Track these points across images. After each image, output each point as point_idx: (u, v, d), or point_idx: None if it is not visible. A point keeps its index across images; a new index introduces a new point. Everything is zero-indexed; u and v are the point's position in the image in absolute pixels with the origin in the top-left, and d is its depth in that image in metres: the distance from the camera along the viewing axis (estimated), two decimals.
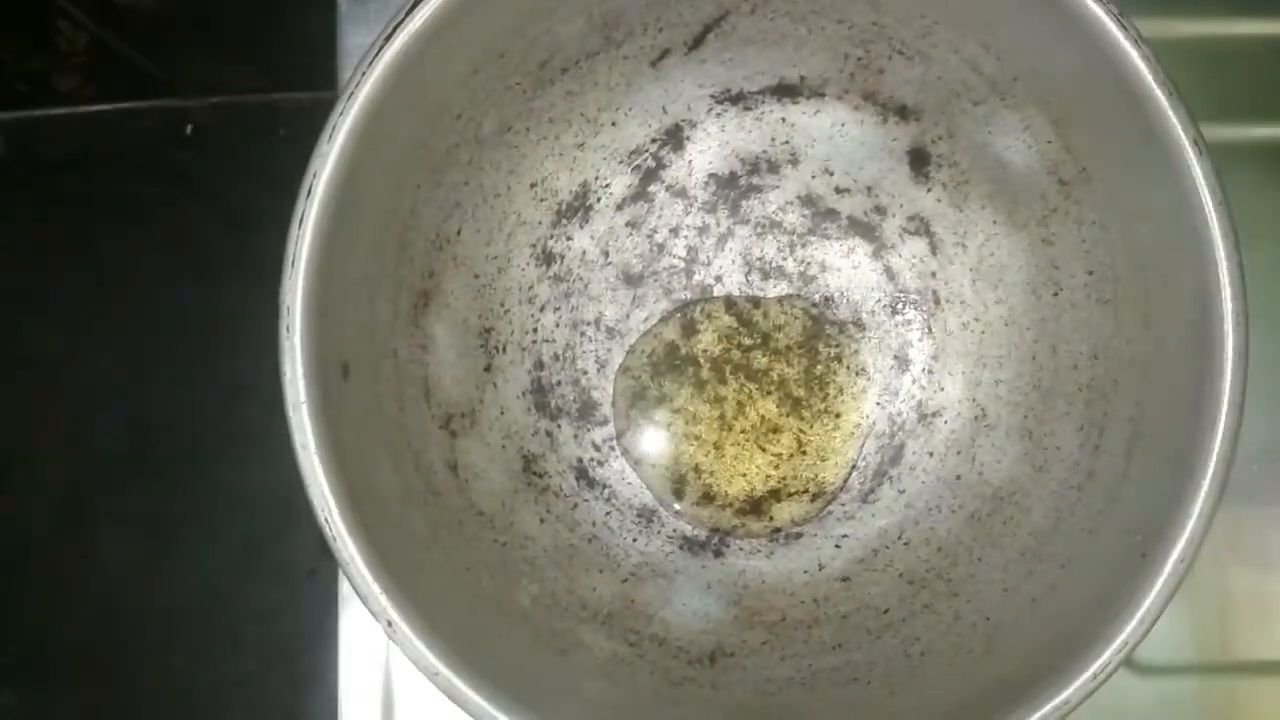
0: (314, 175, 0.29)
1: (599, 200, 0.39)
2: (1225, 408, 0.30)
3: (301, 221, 0.29)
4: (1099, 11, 0.30)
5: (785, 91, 0.38)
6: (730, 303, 0.40)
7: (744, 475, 0.39)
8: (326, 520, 0.29)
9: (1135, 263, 0.33)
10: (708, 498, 0.39)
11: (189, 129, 0.60)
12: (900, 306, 0.40)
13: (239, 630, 0.59)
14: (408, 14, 0.29)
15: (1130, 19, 0.30)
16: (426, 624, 0.30)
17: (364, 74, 0.29)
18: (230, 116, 0.60)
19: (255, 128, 0.59)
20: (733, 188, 0.40)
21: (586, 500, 0.38)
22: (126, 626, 0.60)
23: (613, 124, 0.38)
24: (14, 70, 0.56)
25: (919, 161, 0.38)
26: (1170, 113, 0.30)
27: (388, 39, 0.29)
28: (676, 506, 0.39)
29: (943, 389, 0.39)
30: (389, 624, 0.30)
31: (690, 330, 0.40)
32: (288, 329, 0.29)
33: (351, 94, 0.29)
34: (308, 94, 0.59)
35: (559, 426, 0.39)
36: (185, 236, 0.60)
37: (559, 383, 0.39)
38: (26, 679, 0.60)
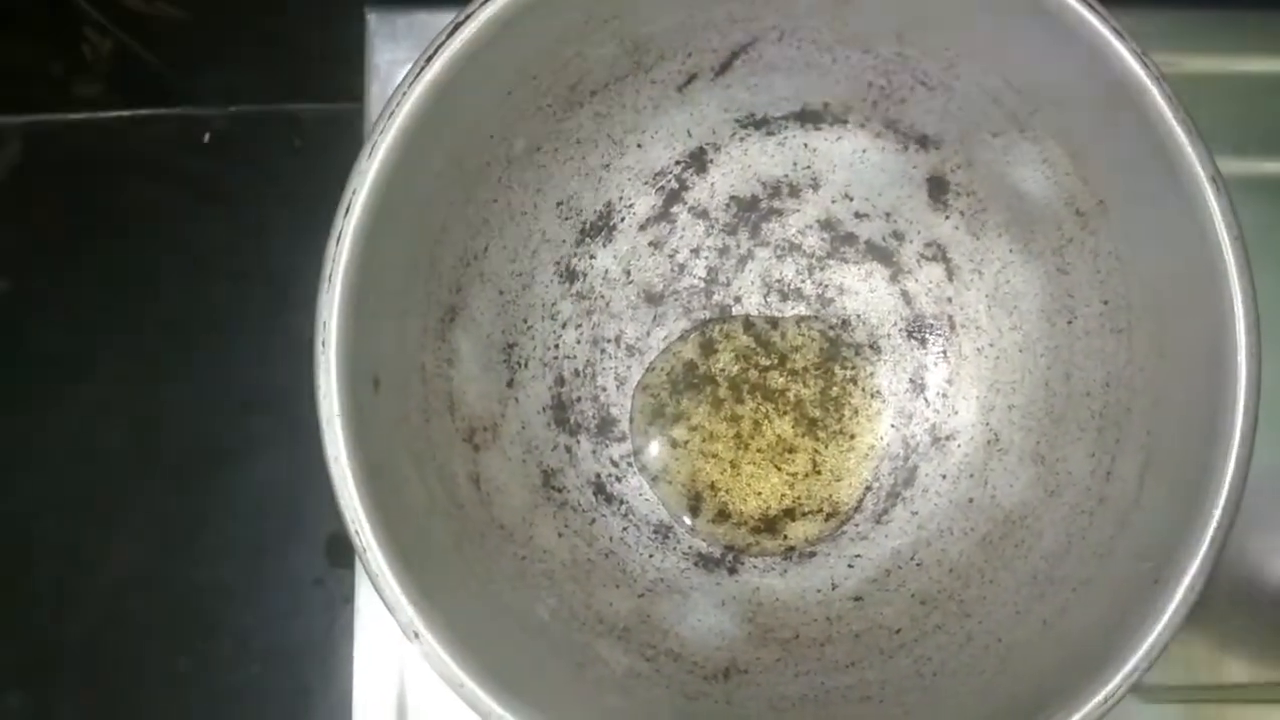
0: (353, 193, 0.30)
1: (622, 220, 0.40)
2: (1238, 439, 0.30)
3: (339, 239, 0.30)
4: (1121, 48, 0.31)
5: (808, 118, 0.38)
6: (749, 323, 0.41)
7: (759, 494, 0.40)
8: (357, 531, 0.30)
9: (1150, 294, 0.34)
10: (723, 515, 0.40)
11: (207, 137, 0.61)
12: (916, 330, 0.40)
13: (245, 636, 0.60)
14: (449, 37, 0.30)
15: (1150, 55, 0.31)
16: (451, 636, 0.30)
17: (404, 94, 0.30)
18: (248, 126, 0.60)
19: (274, 137, 0.60)
20: (754, 210, 0.40)
21: (604, 515, 0.39)
22: (132, 630, 0.60)
23: (638, 146, 0.38)
24: (35, 75, 0.57)
25: (938, 189, 0.39)
26: (1189, 149, 0.31)
27: (428, 60, 0.30)
28: (691, 523, 0.40)
29: (957, 413, 0.40)
30: (416, 635, 0.30)
31: (709, 349, 0.41)
32: (323, 343, 0.30)
33: (392, 113, 0.30)
34: (326, 105, 0.59)
35: (578, 442, 0.39)
36: (199, 243, 0.61)
37: (579, 399, 0.40)
38: (31, 681, 0.60)
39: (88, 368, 0.62)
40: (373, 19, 0.43)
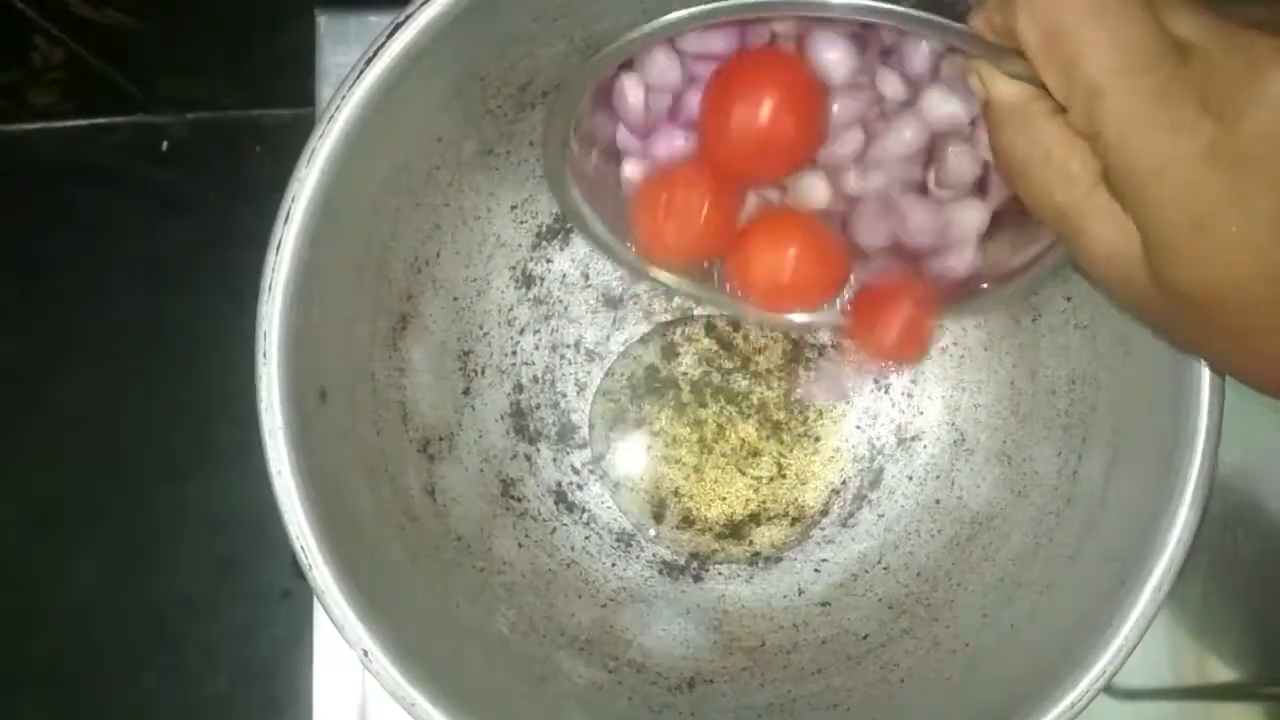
0: (291, 200, 0.29)
1: None
2: (1203, 437, 0.30)
3: (279, 247, 0.29)
4: None
5: None
6: (711, 325, 0.40)
7: (724, 499, 0.39)
8: (302, 548, 0.29)
9: None
10: (687, 521, 0.39)
11: (165, 145, 0.60)
12: None
13: (212, 650, 0.59)
14: (389, 38, 0.29)
15: None
16: (403, 652, 0.30)
17: (344, 97, 0.29)
18: (207, 133, 0.59)
19: (232, 144, 0.59)
20: None
21: (565, 525, 0.38)
22: (98, 645, 0.59)
23: None
24: None
25: None
26: None
27: (368, 62, 0.29)
28: (655, 531, 0.39)
29: (922, 413, 0.39)
30: (365, 653, 0.29)
31: (670, 353, 0.40)
32: (264, 355, 0.29)
33: (331, 118, 0.29)
34: (286, 110, 0.58)
35: (538, 450, 0.39)
36: (160, 253, 0.60)
37: (538, 406, 0.39)
38: None
39: (49, 378, 0.61)
40: (323, 21, 0.42)
